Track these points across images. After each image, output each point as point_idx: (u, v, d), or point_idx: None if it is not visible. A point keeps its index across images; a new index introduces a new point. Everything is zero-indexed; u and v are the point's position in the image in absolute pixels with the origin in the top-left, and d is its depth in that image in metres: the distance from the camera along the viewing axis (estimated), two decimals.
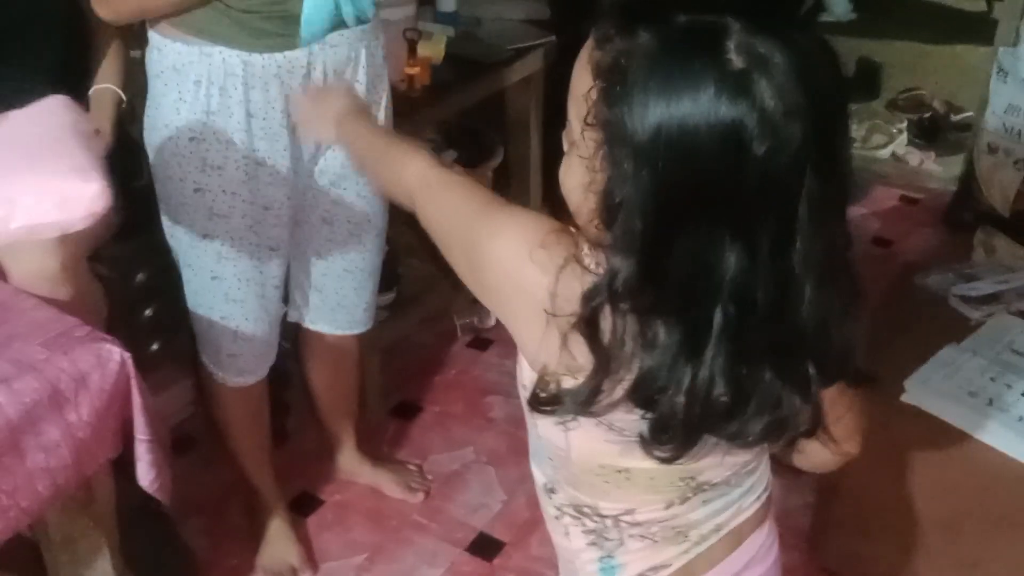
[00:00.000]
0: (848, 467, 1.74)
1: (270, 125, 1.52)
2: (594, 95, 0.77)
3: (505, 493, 2.09)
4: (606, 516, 0.95)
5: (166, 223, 1.63)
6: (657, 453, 0.83)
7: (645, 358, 0.78)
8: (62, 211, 0.97)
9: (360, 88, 1.58)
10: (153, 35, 1.50)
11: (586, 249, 0.82)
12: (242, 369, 1.74)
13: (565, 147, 0.86)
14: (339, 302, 1.82)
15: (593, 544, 0.98)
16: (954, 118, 3.41)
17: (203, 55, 1.46)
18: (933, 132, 3.36)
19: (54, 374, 1.22)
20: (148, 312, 1.82)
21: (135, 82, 1.69)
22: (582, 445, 0.90)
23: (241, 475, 1.92)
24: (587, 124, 0.78)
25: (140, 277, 1.79)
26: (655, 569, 0.97)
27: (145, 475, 1.36)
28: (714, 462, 0.91)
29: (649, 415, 0.81)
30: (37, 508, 1.25)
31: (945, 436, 1.67)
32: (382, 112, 1.66)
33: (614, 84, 0.76)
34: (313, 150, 1.61)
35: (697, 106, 0.72)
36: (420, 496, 2.09)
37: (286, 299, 1.83)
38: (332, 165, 1.64)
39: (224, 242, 1.58)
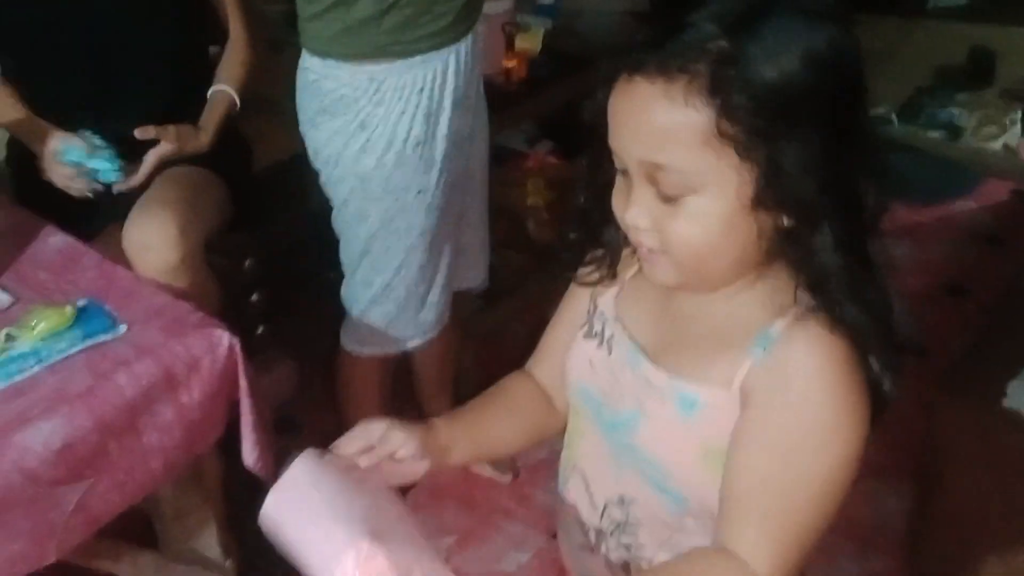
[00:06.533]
0: (947, 473, 1.74)
1: (462, 119, 1.64)
2: (716, 119, 0.78)
3: None
4: None
5: (362, 233, 1.70)
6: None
7: None
8: None
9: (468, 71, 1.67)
10: (338, 64, 1.56)
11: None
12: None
13: (647, 216, 0.84)
14: (471, 260, 1.91)
15: None
16: None
17: (405, 68, 1.55)
18: None
19: (169, 358, 1.30)
20: (255, 298, 1.90)
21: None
22: None
23: None
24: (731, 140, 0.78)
25: (248, 264, 1.87)
26: None
27: (249, 454, 1.43)
28: None
29: None
30: (151, 484, 1.33)
31: None
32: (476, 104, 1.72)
33: (739, 87, 0.77)
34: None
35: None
36: (508, 477, 2.12)
37: None
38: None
39: (425, 233, 1.69)
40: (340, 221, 1.73)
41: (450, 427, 1.02)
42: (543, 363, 1.09)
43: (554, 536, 1.95)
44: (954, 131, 3.23)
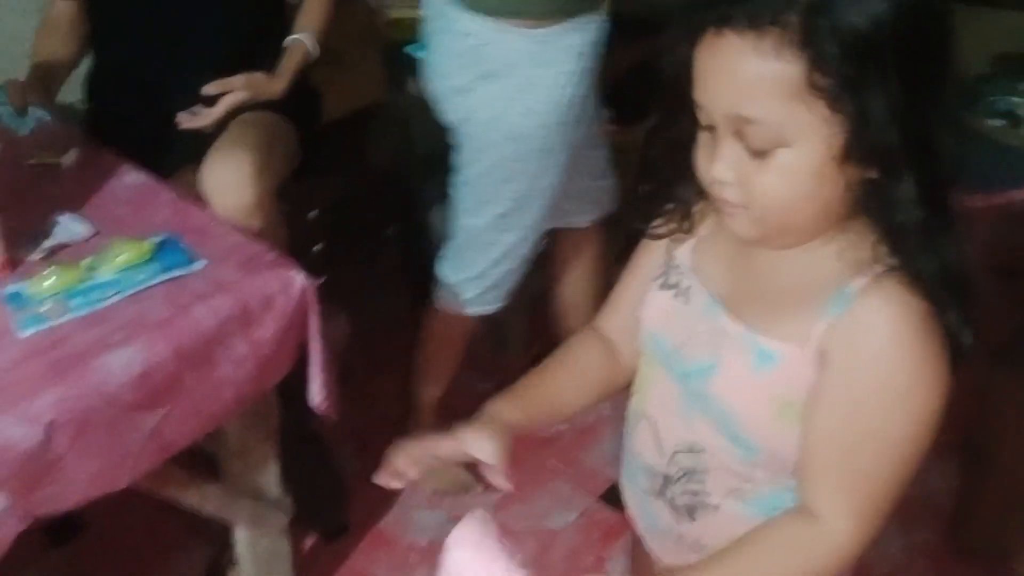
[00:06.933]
0: (996, 451, 1.73)
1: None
2: (807, 71, 0.78)
3: None
4: None
5: (506, 195, 1.72)
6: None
7: None
8: None
9: None
10: (509, 28, 1.58)
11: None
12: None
13: (733, 171, 0.84)
14: (579, 204, 1.97)
15: None
16: None
17: (570, 28, 1.60)
18: None
19: (245, 294, 1.33)
20: (317, 248, 1.93)
21: None
22: None
23: (420, 403, 2.03)
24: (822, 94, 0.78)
25: (312, 215, 1.90)
26: None
27: (317, 394, 1.46)
28: None
29: None
30: (222, 415, 1.37)
31: None
32: None
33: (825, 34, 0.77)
34: None
35: None
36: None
37: None
38: None
39: (560, 188, 1.74)
40: (480, 186, 1.73)
41: (522, 407, 1.04)
42: (612, 316, 1.10)
43: (601, 498, 2.00)
44: (1014, 120, 3.19)
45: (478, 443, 0.98)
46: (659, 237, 1.02)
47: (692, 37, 0.84)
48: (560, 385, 1.08)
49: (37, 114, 1.59)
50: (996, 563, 1.84)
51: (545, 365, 1.10)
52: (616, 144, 2.43)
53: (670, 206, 1.00)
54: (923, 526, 1.92)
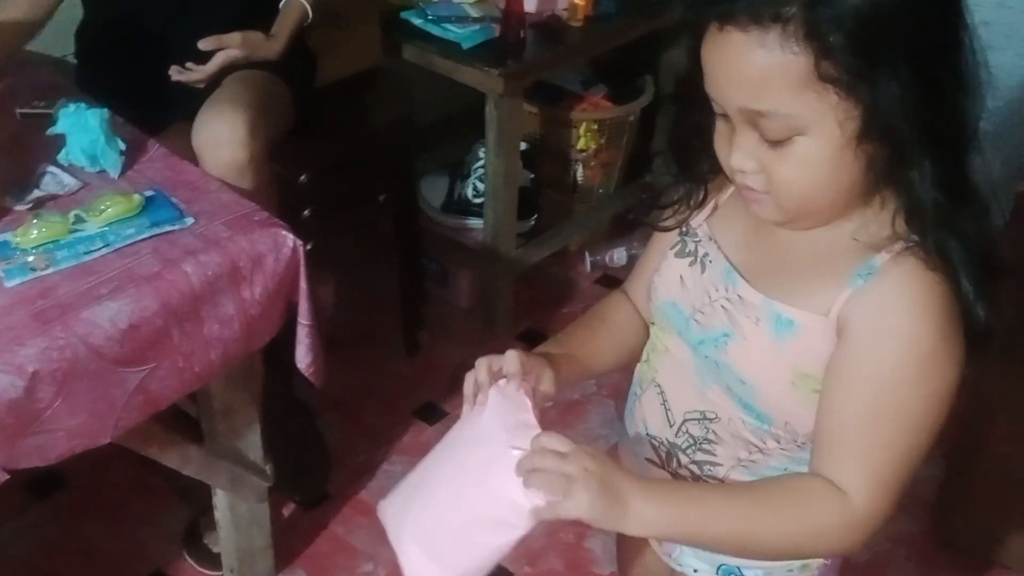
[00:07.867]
0: (985, 440, 1.73)
1: None
2: (815, 61, 0.77)
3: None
4: None
5: None
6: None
7: None
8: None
9: None
10: None
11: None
12: None
13: (752, 160, 0.84)
14: None
15: None
16: None
17: None
18: None
19: (235, 252, 1.31)
20: (306, 212, 1.90)
21: None
22: None
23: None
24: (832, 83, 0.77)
25: (303, 178, 1.87)
26: None
27: (303, 358, 1.44)
28: None
29: None
30: (207, 374, 1.35)
31: None
32: None
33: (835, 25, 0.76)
34: None
35: None
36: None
37: None
38: None
39: None
40: None
41: (563, 356, 1.03)
42: (636, 283, 1.10)
43: None
44: None
45: (540, 371, 0.97)
46: (667, 230, 1.02)
47: (696, 32, 0.83)
48: (598, 339, 1.08)
49: None
50: (978, 555, 1.86)
51: (582, 320, 1.10)
52: (610, 122, 2.43)
53: (678, 195, 1.00)
54: (906, 516, 1.92)
